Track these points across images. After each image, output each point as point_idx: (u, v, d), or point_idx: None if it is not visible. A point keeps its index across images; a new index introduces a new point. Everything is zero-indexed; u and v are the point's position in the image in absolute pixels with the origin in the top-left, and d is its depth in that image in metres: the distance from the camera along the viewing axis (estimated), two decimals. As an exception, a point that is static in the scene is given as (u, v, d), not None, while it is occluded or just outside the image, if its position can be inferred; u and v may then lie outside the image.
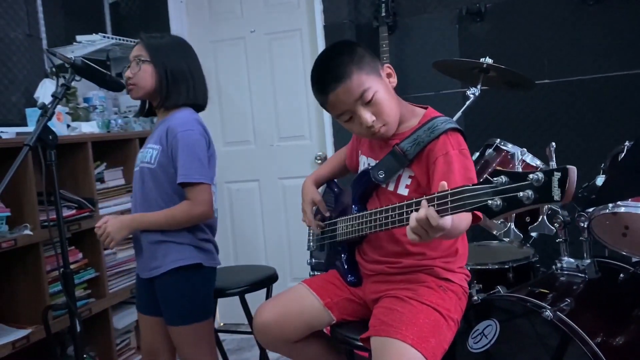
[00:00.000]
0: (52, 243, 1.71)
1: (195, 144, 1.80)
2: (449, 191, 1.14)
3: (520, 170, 1.97)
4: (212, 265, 1.91)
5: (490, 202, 1.05)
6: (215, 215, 1.90)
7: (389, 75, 1.54)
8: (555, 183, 0.97)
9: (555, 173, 0.97)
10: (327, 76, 1.47)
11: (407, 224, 1.26)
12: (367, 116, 1.46)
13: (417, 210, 1.20)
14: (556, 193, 0.97)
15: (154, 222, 1.83)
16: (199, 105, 1.95)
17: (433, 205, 1.17)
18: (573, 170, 0.96)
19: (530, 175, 0.99)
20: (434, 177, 1.42)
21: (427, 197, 1.19)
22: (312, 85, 1.53)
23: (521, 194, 1.00)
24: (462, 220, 1.30)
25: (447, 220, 1.18)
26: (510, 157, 1.99)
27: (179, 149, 1.78)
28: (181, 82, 1.87)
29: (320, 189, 1.86)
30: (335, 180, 1.90)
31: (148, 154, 1.86)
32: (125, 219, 1.85)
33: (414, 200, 1.28)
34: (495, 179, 1.05)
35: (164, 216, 1.82)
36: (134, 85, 1.85)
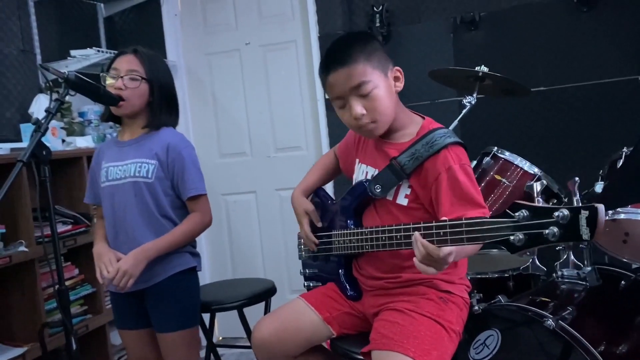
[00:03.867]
0: (47, 259, 1.69)
1: (196, 159, 1.91)
2: (464, 221, 1.12)
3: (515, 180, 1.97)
4: (199, 269, 1.99)
5: (512, 237, 1.03)
6: None
7: (396, 79, 1.51)
8: (582, 222, 0.95)
9: (583, 211, 0.95)
10: (334, 56, 1.46)
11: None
12: (358, 108, 1.44)
13: (427, 234, 1.18)
14: (584, 232, 0.95)
15: (171, 244, 1.84)
16: (174, 126, 1.99)
17: (446, 233, 1.15)
18: (602, 208, 0.95)
19: (556, 213, 0.98)
20: (440, 194, 1.39)
21: (438, 223, 1.17)
22: (320, 63, 1.51)
23: (546, 231, 0.99)
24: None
25: (447, 249, 1.16)
26: (508, 165, 1.99)
27: (186, 164, 1.86)
28: (171, 103, 1.93)
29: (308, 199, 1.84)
30: (322, 187, 1.88)
31: (143, 169, 1.84)
32: (139, 252, 1.79)
33: (423, 224, 1.25)
34: (517, 213, 1.03)
35: (180, 235, 1.86)
36: (125, 100, 1.82)
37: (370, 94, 1.43)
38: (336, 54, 1.46)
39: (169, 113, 1.92)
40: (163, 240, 1.83)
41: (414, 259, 1.20)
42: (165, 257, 1.86)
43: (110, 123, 3.04)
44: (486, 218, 1.09)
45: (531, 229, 1.01)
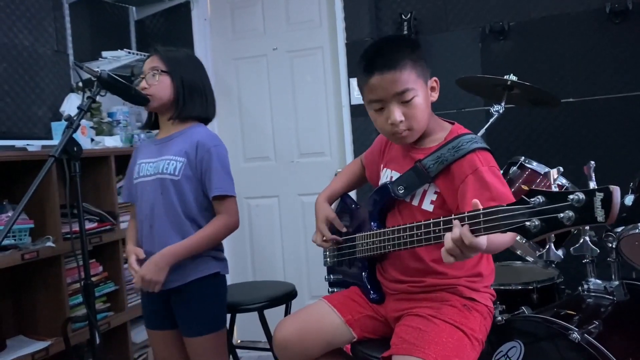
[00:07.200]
0: (73, 255, 1.72)
1: (225, 159, 1.90)
2: (481, 211, 1.12)
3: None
4: (225, 272, 1.97)
5: (528, 223, 1.03)
6: None
7: (432, 89, 1.51)
8: (597, 204, 0.95)
9: (598, 193, 0.95)
10: (380, 59, 1.43)
11: (434, 243, 1.24)
12: (397, 114, 1.43)
13: (446, 229, 1.17)
14: (599, 214, 0.95)
15: (193, 248, 1.83)
16: (209, 119, 2.00)
17: (464, 225, 1.14)
18: (617, 190, 0.94)
19: (571, 196, 0.97)
20: (466, 195, 1.37)
21: (457, 215, 1.17)
22: (359, 63, 1.48)
23: (561, 215, 0.98)
24: (500, 236, 1.27)
25: (482, 240, 1.15)
26: (536, 175, 1.96)
27: (213, 162, 1.85)
28: (196, 95, 1.92)
29: (334, 205, 1.84)
30: (349, 193, 1.88)
31: (171, 166, 1.86)
32: (159, 259, 1.79)
33: (442, 219, 1.25)
34: (532, 199, 1.03)
35: (202, 239, 1.84)
36: (151, 96, 1.86)
37: (412, 101, 1.43)
38: (382, 56, 1.44)
39: (194, 104, 1.91)
40: (183, 245, 1.82)
41: (443, 248, 1.18)
42: (191, 260, 1.85)
43: (139, 124, 3.11)
44: (502, 206, 1.08)
45: (547, 214, 1.00)
